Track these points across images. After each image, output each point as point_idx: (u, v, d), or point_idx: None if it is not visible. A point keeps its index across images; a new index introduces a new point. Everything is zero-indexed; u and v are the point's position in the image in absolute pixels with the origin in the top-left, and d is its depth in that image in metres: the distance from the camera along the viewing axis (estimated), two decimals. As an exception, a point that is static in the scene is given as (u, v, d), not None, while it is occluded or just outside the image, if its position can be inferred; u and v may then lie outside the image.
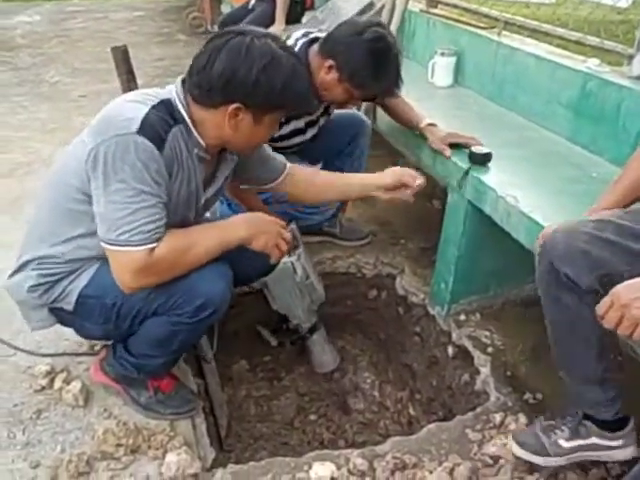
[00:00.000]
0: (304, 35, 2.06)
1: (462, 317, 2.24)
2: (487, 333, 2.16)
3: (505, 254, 2.10)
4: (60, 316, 1.64)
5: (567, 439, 1.55)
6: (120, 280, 1.42)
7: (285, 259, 2.11)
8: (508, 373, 1.99)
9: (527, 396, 1.89)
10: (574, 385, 1.56)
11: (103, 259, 1.47)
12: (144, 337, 1.63)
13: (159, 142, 1.36)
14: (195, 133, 1.45)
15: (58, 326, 2.03)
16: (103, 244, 1.38)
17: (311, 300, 2.28)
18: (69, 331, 2.01)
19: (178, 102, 1.42)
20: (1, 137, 3.71)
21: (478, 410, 1.85)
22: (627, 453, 1.55)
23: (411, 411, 2.42)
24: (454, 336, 2.21)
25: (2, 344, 1.97)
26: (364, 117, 2.46)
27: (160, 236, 1.38)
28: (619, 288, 1.11)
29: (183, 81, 1.46)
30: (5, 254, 2.45)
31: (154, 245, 1.37)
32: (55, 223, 1.53)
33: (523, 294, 2.25)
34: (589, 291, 1.28)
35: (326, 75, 1.93)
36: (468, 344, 2.14)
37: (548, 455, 1.56)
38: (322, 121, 2.25)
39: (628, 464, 1.55)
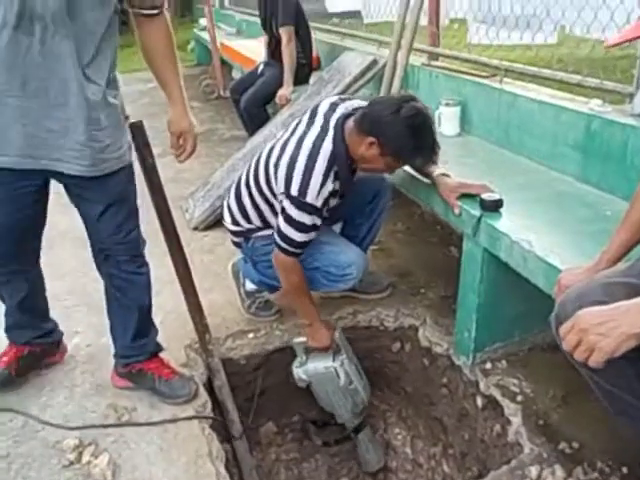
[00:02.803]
0: (331, 109, 2.12)
1: (488, 365, 2.20)
2: (515, 381, 2.12)
3: (527, 298, 2.07)
4: None
5: None
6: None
7: (329, 364, 2.22)
8: (540, 422, 1.94)
9: (562, 445, 1.83)
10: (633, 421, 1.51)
11: None
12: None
13: None
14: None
15: (84, 398, 2.08)
16: None
17: (354, 403, 2.31)
18: (96, 403, 2.05)
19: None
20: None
21: (513, 464, 1.79)
22: None
23: (445, 468, 2.37)
24: (482, 386, 2.16)
25: (31, 419, 1.98)
26: (385, 177, 2.48)
27: None
28: (582, 312, 1.12)
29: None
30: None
31: None
32: None
33: (549, 338, 2.21)
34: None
35: (367, 151, 2.01)
36: (497, 393, 2.09)
37: None
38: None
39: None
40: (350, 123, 2.06)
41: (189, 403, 2.08)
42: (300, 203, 2.00)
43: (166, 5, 1.79)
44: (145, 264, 2.04)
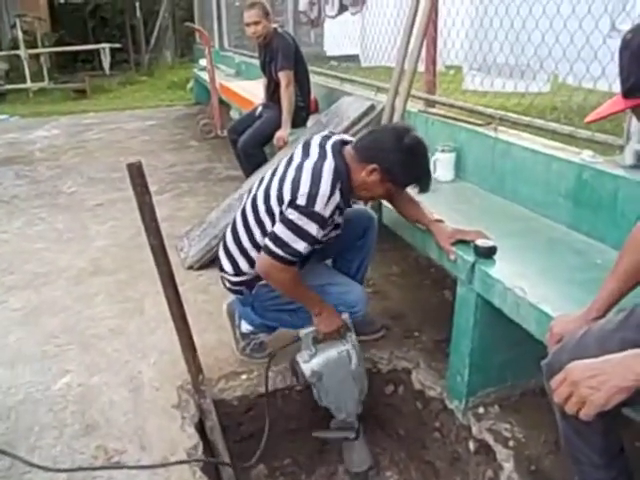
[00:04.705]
0: (324, 139, 2.18)
1: (481, 410, 2.20)
2: (507, 426, 2.12)
3: (520, 344, 2.08)
4: None
5: None
6: None
7: (341, 347, 2.20)
8: (532, 467, 1.94)
9: (554, 491, 1.84)
10: (579, 467, 1.56)
11: None
12: None
13: None
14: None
15: (73, 439, 2.07)
16: None
17: (361, 389, 2.28)
18: (85, 444, 2.03)
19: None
20: (18, 249, 3.82)
21: (504, 509, 1.79)
22: None
23: (436, 512, 2.34)
24: (474, 430, 2.16)
25: (18, 460, 1.96)
26: (372, 213, 2.55)
27: None
28: (573, 365, 1.13)
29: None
30: (23, 366, 2.50)
31: None
32: None
33: (541, 383, 2.21)
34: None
35: (368, 177, 2.09)
36: (489, 438, 2.09)
37: None
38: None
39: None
40: (349, 150, 2.13)
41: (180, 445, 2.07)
42: (308, 211, 2.00)
43: None
44: None
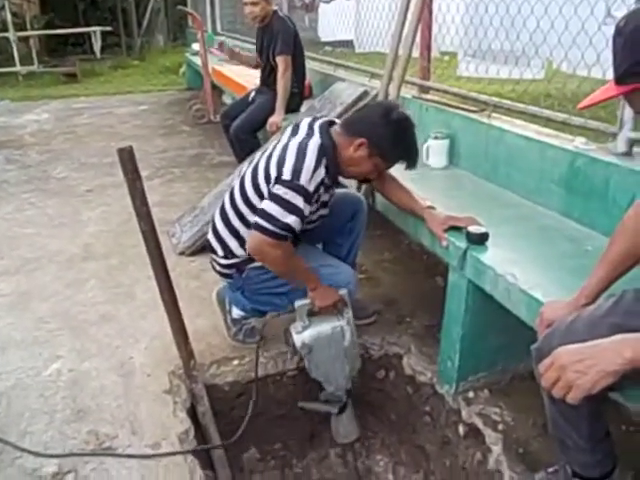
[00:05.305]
0: (313, 121, 2.21)
1: (471, 394, 2.22)
2: (497, 410, 2.14)
3: (510, 329, 2.09)
4: None
5: None
6: None
7: (336, 323, 2.19)
8: (520, 450, 1.96)
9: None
10: (566, 450, 1.60)
11: None
12: None
13: None
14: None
15: (65, 424, 2.07)
16: None
17: (353, 366, 2.29)
18: (76, 429, 2.03)
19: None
20: (9, 234, 3.80)
21: (492, 492, 1.81)
22: None
23: (426, 495, 2.37)
24: (464, 414, 2.18)
25: (8, 446, 1.96)
26: (360, 195, 2.57)
27: None
28: (560, 350, 1.14)
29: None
30: (14, 352, 2.50)
31: None
32: None
33: (531, 367, 2.23)
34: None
35: (355, 152, 2.11)
36: (478, 422, 2.11)
37: None
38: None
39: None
40: (337, 128, 2.16)
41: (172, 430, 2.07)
42: (293, 185, 2.00)
43: None
44: None
